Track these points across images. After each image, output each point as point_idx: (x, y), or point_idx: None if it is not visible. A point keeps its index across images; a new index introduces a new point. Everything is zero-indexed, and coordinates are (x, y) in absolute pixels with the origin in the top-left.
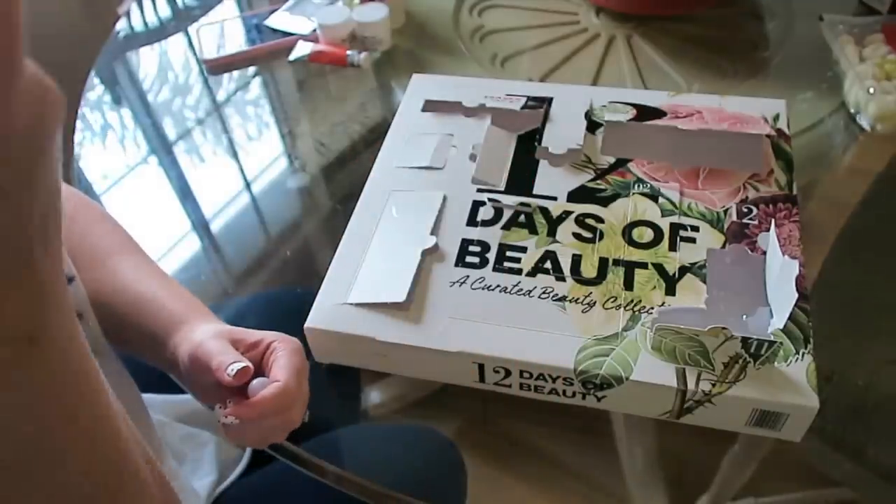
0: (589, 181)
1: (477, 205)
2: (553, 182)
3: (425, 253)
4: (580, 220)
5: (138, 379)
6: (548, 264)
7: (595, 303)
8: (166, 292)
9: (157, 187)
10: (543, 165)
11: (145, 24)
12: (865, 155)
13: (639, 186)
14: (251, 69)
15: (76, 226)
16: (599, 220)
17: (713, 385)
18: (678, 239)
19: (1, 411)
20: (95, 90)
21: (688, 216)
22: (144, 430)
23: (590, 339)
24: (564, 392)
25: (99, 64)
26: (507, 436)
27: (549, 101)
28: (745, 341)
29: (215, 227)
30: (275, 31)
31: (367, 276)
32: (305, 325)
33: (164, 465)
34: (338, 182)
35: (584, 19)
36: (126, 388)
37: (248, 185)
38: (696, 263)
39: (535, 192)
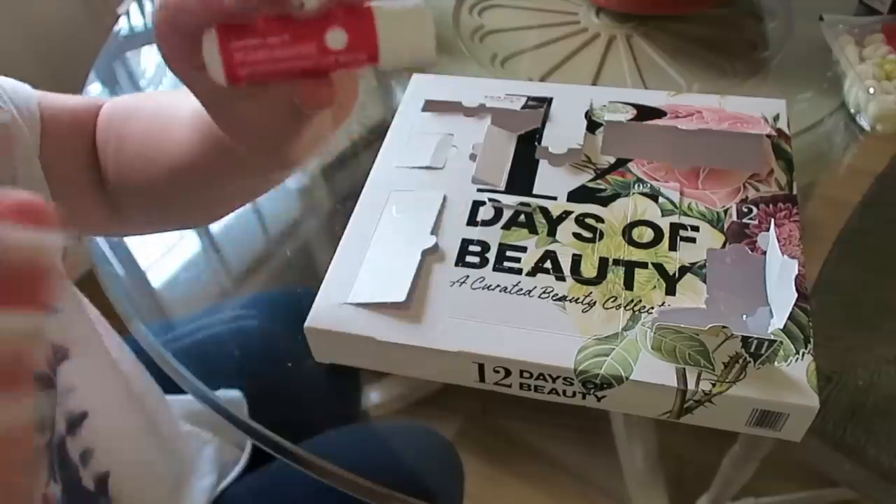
0: (589, 181)
1: (477, 205)
2: (553, 182)
3: (425, 253)
4: (580, 220)
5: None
6: (548, 264)
7: (595, 303)
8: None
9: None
10: (543, 165)
11: (145, 24)
12: (865, 155)
13: (639, 186)
14: None
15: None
16: (599, 219)
17: (713, 385)
18: (678, 239)
19: None
20: (95, 90)
21: (688, 216)
22: (123, 392)
23: (590, 339)
24: (564, 392)
25: (99, 64)
26: (506, 436)
27: (549, 101)
28: (746, 341)
29: (215, 227)
30: None
31: (367, 276)
32: (305, 325)
33: (160, 459)
34: (338, 182)
35: (584, 19)
36: (99, 347)
37: None
38: (696, 263)
39: (535, 191)
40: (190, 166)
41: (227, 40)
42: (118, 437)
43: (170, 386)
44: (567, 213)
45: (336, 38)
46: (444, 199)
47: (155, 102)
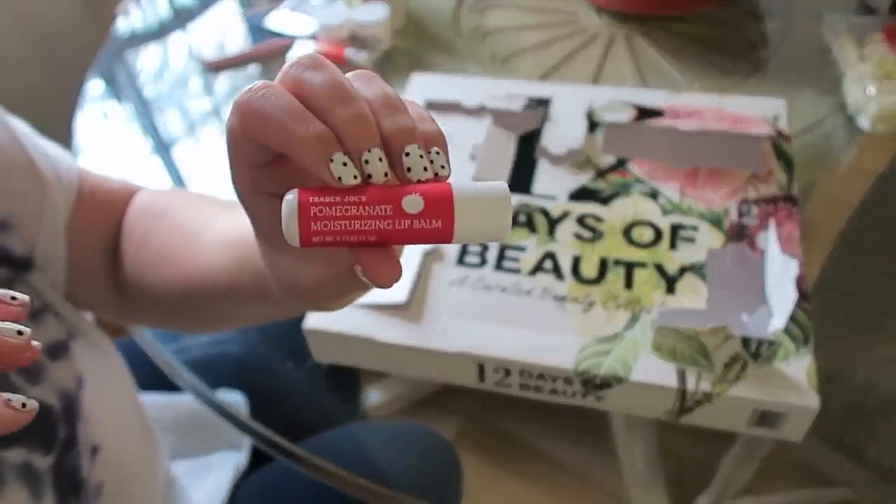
0: (589, 181)
1: None
2: (553, 182)
3: (425, 253)
4: (580, 220)
5: (139, 379)
6: (548, 264)
7: (595, 303)
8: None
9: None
10: (543, 165)
11: (145, 24)
12: (865, 155)
13: (639, 186)
14: (251, 69)
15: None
16: (599, 219)
17: (713, 385)
18: (678, 239)
19: None
20: (95, 90)
21: (688, 216)
22: (137, 425)
23: (590, 339)
24: (564, 392)
25: (99, 64)
26: (506, 435)
27: (549, 101)
28: (746, 341)
29: None
30: (274, 31)
31: None
32: (305, 326)
33: (161, 465)
34: None
35: (584, 19)
36: (117, 379)
37: None
38: (696, 263)
39: (535, 191)
40: (210, 282)
41: (307, 196)
42: (130, 473)
43: (170, 386)
44: (567, 213)
45: (412, 203)
46: None
47: (193, 205)
